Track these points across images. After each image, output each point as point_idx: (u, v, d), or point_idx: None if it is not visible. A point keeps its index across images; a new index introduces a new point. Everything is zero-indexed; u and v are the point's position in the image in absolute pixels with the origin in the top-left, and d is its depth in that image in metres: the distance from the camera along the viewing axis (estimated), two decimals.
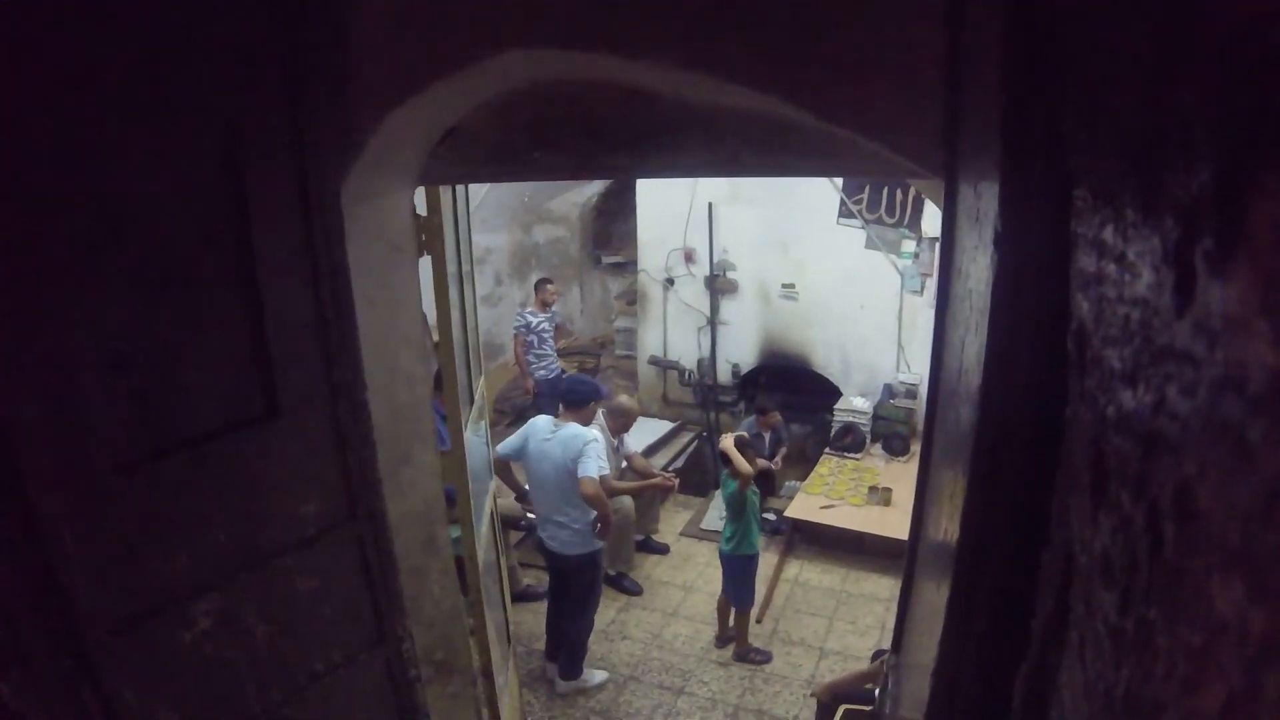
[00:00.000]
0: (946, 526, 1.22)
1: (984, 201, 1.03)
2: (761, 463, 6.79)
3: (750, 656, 5.26)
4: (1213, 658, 0.34)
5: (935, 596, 1.28)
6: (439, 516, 2.50)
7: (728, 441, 5.15)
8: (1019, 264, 0.86)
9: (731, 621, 5.38)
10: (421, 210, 2.38)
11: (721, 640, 5.40)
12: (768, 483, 6.71)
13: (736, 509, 5.10)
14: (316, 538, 1.83)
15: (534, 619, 5.42)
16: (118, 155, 1.43)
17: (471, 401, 2.90)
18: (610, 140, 1.93)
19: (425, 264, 2.43)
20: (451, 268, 2.57)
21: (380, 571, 2.02)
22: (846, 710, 2.88)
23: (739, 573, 5.21)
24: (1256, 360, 0.33)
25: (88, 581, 1.44)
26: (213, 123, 1.59)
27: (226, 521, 1.65)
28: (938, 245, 6.87)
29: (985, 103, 1.06)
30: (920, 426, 7.57)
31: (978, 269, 1.06)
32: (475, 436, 3.15)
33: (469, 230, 2.88)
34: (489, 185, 8.11)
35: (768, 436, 6.88)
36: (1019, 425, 0.86)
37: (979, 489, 0.94)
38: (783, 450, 7.06)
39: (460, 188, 2.81)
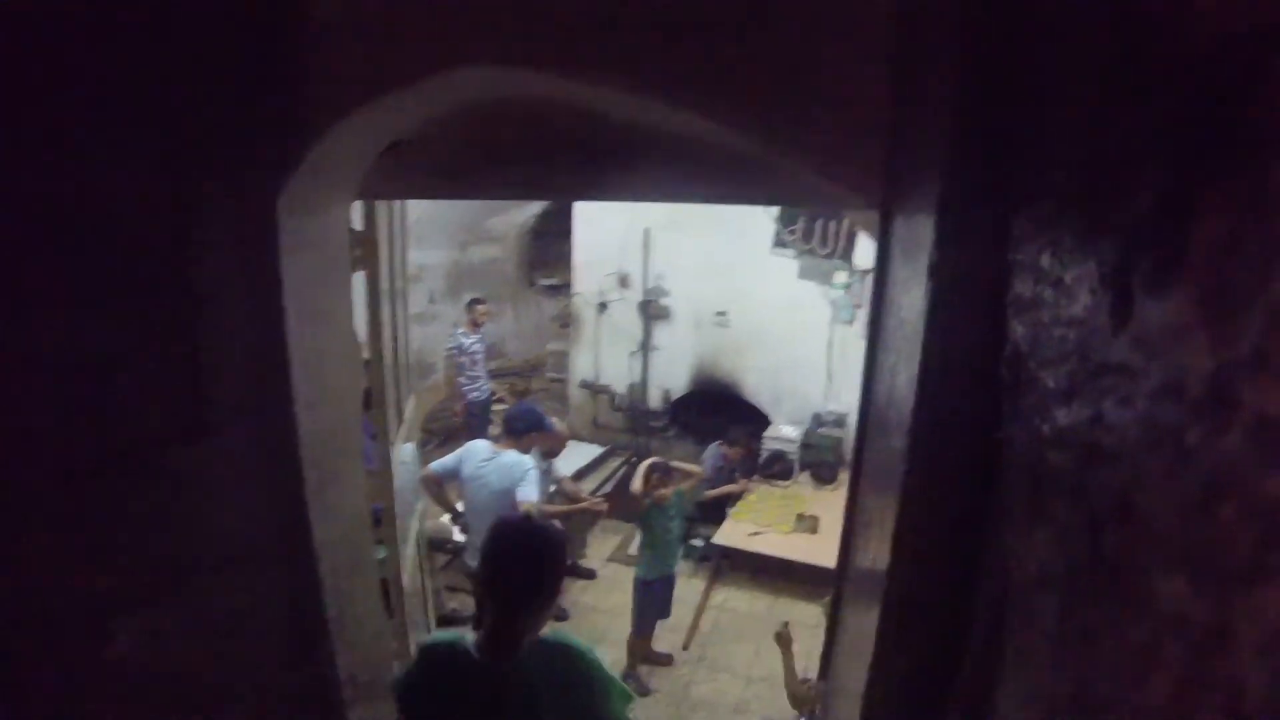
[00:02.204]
0: (876, 552, 1.24)
1: (920, 234, 1.05)
2: (727, 487, 6.86)
3: (628, 683, 5.21)
4: (1158, 651, 0.35)
5: (865, 621, 1.30)
6: (366, 537, 2.45)
7: (644, 464, 5.25)
8: (953, 293, 0.88)
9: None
10: (358, 225, 2.35)
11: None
12: (717, 511, 6.77)
13: (643, 532, 5.22)
14: (242, 557, 1.78)
15: None
16: (56, 158, 1.39)
17: (400, 420, 2.85)
18: (560, 162, 1.94)
19: (358, 279, 2.40)
20: (385, 284, 2.54)
21: (303, 593, 1.97)
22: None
23: (637, 596, 5.29)
24: (1196, 368, 0.35)
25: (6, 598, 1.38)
26: (152, 129, 1.55)
27: (151, 539, 1.59)
28: (869, 277, 7.04)
29: (925, 140, 1.09)
30: (849, 455, 7.71)
31: (910, 299, 1.09)
32: (403, 457, 3.10)
33: (404, 247, 2.84)
34: (427, 201, 8.04)
35: (726, 467, 6.93)
36: (951, 449, 0.89)
37: (911, 511, 0.96)
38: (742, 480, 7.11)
39: (397, 204, 2.78)
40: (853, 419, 7.53)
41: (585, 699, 2.06)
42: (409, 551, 2.97)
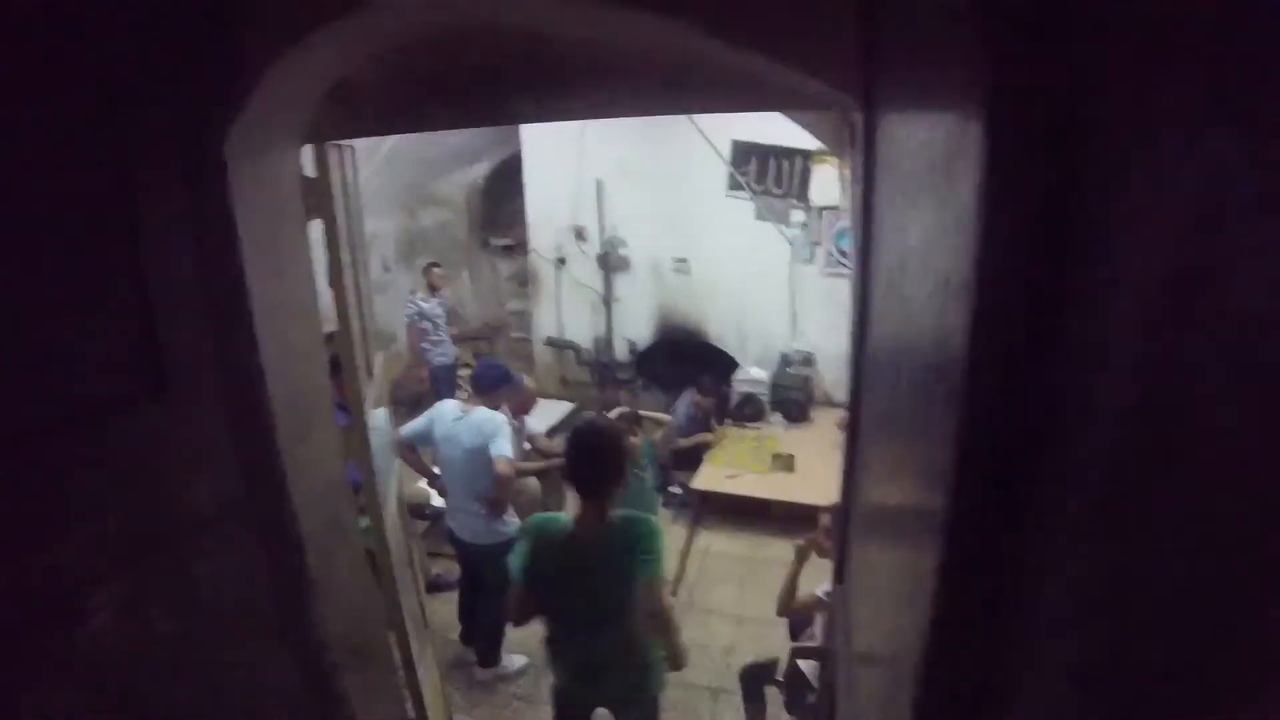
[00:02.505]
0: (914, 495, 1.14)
1: (945, 137, 0.90)
2: (700, 437, 6.82)
3: None
4: None
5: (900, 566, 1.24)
6: (343, 497, 2.37)
7: (611, 415, 5.21)
8: (1010, 216, 0.73)
9: None
10: (310, 173, 2.23)
11: None
12: (692, 460, 6.74)
13: None
14: (215, 519, 1.70)
15: (447, 608, 5.26)
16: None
17: (370, 376, 2.76)
18: (507, 87, 1.85)
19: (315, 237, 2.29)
20: (343, 240, 2.43)
21: (284, 554, 1.90)
22: (794, 648, 2.89)
23: None
24: None
25: None
26: (89, 66, 1.43)
27: (119, 504, 1.50)
28: (826, 214, 6.97)
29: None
30: (818, 393, 7.74)
31: (934, 219, 0.97)
32: (375, 423, 3.00)
33: (359, 196, 2.73)
34: (373, 169, 7.83)
35: (699, 415, 6.90)
36: (1014, 400, 0.77)
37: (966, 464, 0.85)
38: (717, 428, 7.09)
39: (349, 154, 2.66)
40: (820, 357, 7.59)
41: (640, 550, 2.69)
42: (390, 517, 2.89)
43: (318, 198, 2.19)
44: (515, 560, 2.87)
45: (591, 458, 2.71)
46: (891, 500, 1.28)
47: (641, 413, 5.41)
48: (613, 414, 5.25)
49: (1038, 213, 0.70)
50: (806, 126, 2.41)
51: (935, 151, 0.95)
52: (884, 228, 1.41)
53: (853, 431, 2.00)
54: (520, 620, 2.97)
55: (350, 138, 2.27)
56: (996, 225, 0.72)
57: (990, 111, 0.72)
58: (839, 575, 1.95)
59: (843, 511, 2.01)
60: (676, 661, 3.06)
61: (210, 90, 1.68)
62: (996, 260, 0.73)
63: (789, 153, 7.33)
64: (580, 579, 2.71)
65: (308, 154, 2.22)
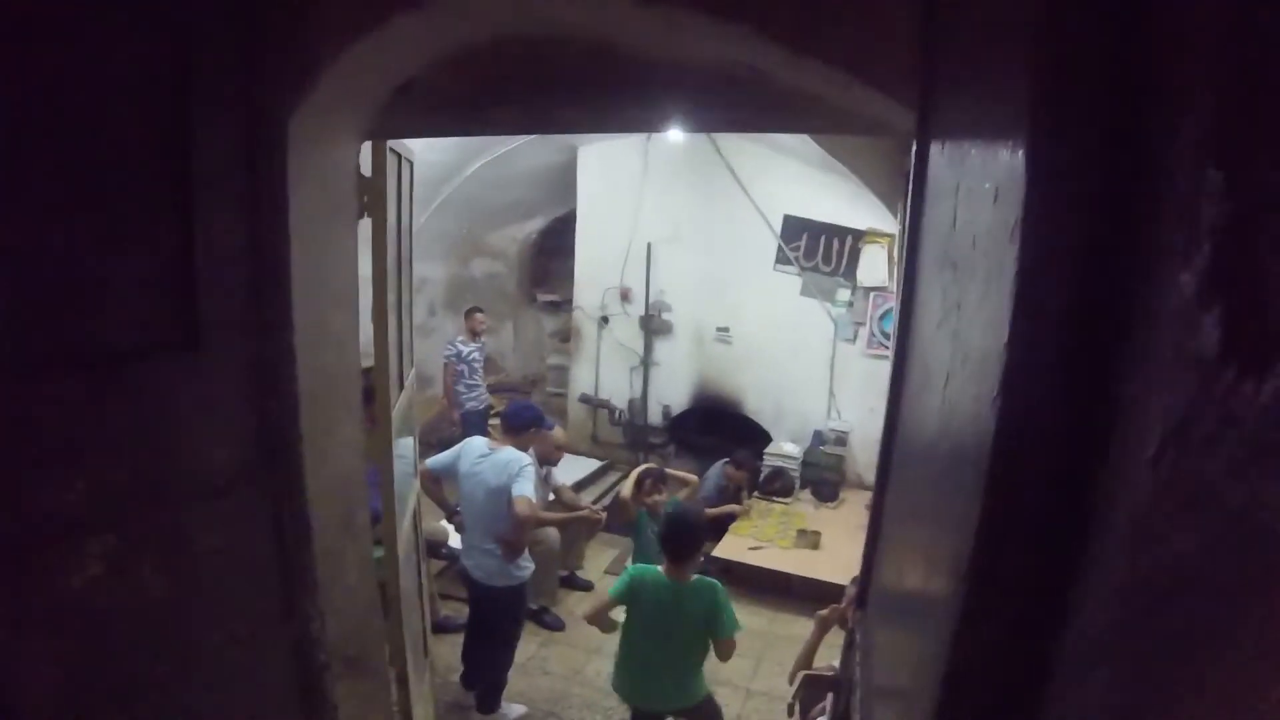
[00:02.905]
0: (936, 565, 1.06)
1: (989, 163, 0.83)
2: (729, 508, 6.72)
3: None
4: None
5: (917, 545, 1.16)
6: (359, 501, 2.34)
7: (637, 470, 5.19)
8: (1048, 283, 0.65)
9: None
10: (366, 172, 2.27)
11: None
12: (716, 531, 6.62)
13: (634, 540, 5.11)
14: (226, 489, 1.68)
15: (451, 650, 5.16)
16: (58, 41, 1.31)
17: (401, 387, 2.75)
18: (566, 94, 1.87)
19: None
20: (391, 247, 2.45)
21: (293, 538, 1.87)
22: (806, 676, 2.78)
23: None
24: None
25: None
26: (162, 32, 1.48)
27: (129, 455, 1.49)
28: (873, 294, 6.96)
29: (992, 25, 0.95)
30: (849, 473, 7.61)
31: (977, 278, 0.86)
32: (401, 451, 2.99)
33: (410, 204, 2.76)
34: (428, 214, 8.00)
35: (730, 487, 6.81)
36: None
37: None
38: (746, 500, 6.99)
39: (407, 166, 2.71)
40: (855, 438, 7.48)
41: (716, 611, 3.52)
42: (405, 541, 2.85)
43: (371, 197, 2.22)
44: (616, 585, 3.67)
45: (685, 532, 3.58)
46: (907, 584, 1.19)
47: (668, 470, 5.34)
48: (637, 470, 5.20)
49: (1084, 281, 0.61)
50: (858, 172, 2.40)
51: (983, 193, 0.84)
52: (927, 287, 1.34)
53: (877, 508, 1.92)
54: (595, 620, 3.72)
55: (411, 135, 2.31)
56: (1033, 291, 0.62)
57: (1032, 154, 0.64)
58: (861, 599, 1.86)
59: (873, 517, 1.90)
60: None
61: (279, 72, 1.72)
62: (1029, 331, 0.63)
63: (840, 231, 7.36)
64: (668, 619, 3.54)
65: (366, 154, 2.26)
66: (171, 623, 1.62)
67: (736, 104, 1.67)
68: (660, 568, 3.57)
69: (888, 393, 1.79)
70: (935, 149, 1.38)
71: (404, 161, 2.63)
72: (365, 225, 2.31)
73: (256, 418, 1.72)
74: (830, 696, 3.83)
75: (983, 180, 0.83)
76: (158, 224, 1.51)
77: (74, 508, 1.41)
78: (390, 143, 2.33)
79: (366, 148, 2.26)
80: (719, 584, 3.63)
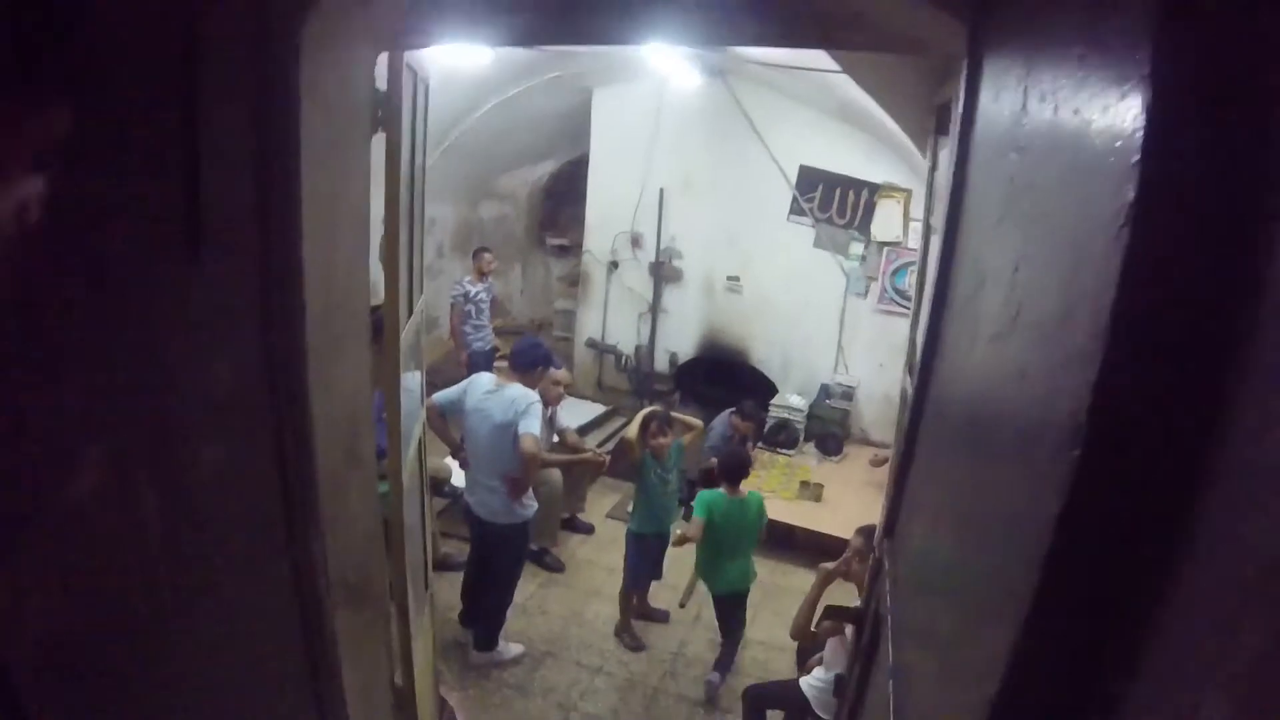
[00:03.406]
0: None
1: (1077, 85, 0.71)
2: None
3: (622, 638, 5.18)
4: None
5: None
6: (365, 424, 2.29)
7: (642, 413, 5.23)
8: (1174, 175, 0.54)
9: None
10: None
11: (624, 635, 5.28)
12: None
13: (637, 483, 5.14)
14: (228, 404, 1.62)
15: (450, 588, 5.17)
16: None
17: (410, 311, 2.69)
18: (590, 3, 1.77)
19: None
20: (405, 160, 2.37)
21: (296, 459, 1.81)
22: (827, 607, 2.76)
23: (628, 549, 5.15)
24: None
25: None
26: None
27: (127, 364, 1.42)
28: (885, 249, 6.88)
29: None
30: (853, 428, 7.58)
31: (1053, 221, 0.78)
32: (409, 385, 2.93)
33: (425, 125, 2.67)
34: (438, 154, 7.86)
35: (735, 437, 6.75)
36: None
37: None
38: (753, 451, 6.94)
39: (421, 88, 2.61)
40: (862, 393, 7.43)
41: (762, 511, 4.93)
42: (409, 468, 2.81)
43: (386, 112, 2.13)
44: (699, 509, 4.69)
45: (741, 464, 4.97)
46: (947, 557, 1.12)
47: (674, 414, 5.30)
48: (643, 413, 5.17)
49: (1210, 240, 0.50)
50: (885, 106, 2.30)
51: (1066, 125, 0.74)
52: (976, 225, 1.24)
53: (910, 438, 1.84)
54: (694, 536, 4.67)
55: (428, 44, 2.21)
56: (1151, 244, 0.52)
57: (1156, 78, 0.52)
58: (889, 527, 1.81)
59: (905, 448, 1.83)
60: None
61: None
62: (1143, 298, 0.53)
63: (855, 184, 7.23)
64: (737, 525, 4.77)
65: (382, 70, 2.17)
66: (167, 541, 1.57)
67: (769, 17, 1.58)
68: (721, 489, 4.80)
69: (924, 338, 1.71)
70: (990, 69, 1.30)
71: (419, 81, 2.53)
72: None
73: (260, 332, 1.65)
74: (828, 646, 3.84)
75: (1067, 107, 0.74)
76: (163, 130, 1.44)
77: (66, 419, 1.34)
78: (407, 59, 2.23)
79: (382, 62, 2.17)
80: (759, 493, 5.20)
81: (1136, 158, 0.53)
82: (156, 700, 1.58)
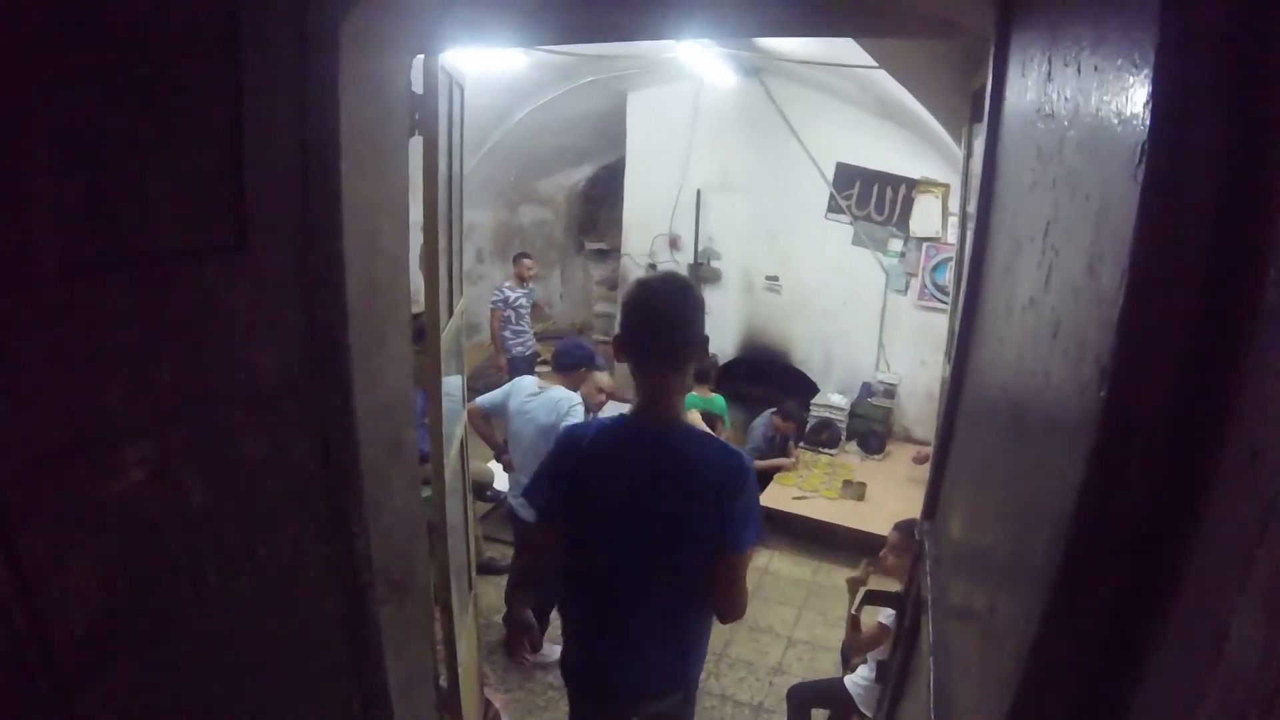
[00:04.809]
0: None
1: (1099, 65, 0.70)
2: (777, 461, 6.65)
3: None
4: None
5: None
6: (407, 419, 2.33)
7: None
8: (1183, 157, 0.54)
9: None
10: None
11: None
12: (763, 481, 6.58)
13: None
14: (272, 397, 1.65)
15: (494, 592, 5.21)
16: None
17: (451, 313, 2.73)
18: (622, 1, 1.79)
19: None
20: (442, 164, 2.41)
21: (340, 451, 1.85)
22: (868, 592, 2.72)
23: None
24: None
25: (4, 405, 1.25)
26: None
27: (173, 357, 1.46)
28: (925, 245, 6.82)
29: None
30: (895, 426, 7.51)
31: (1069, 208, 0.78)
32: (449, 389, 2.97)
33: (462, 128, 2.71)
34: (477, 159, 7.95)
35: (777, 438, 6.74)
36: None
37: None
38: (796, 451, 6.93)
39: (456, 91, 2.65)
40: (904, 390, 7.36)
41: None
42: (451, 468, 2.84)
43: (423, 114, 2.17)
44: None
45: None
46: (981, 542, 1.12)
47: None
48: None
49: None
50: (918, 94, 2.29)
51: (1084, 80, 0.73)
52: (1009, 198, 1.24)
53: (949, 421, 1.82)
54: None
55: (465, 45, 2.24)
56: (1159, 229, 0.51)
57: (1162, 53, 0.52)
58: (929, 510, 1.80)
59: (944, 432, 1.81)
60: None
61: None
62: (1161, 235, 0.52)
63: (893, 180, 7.17)
64: None
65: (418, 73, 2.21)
66: (213, 535, 1.61)
67: (799, 4, 1.58)
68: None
69: (961, 314, 1.69)
70: (1018, 42, 1.30)
71: (455, 84, 2.57)
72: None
73: (304, 326, 1.69)
74: (894, 616, 3.81)
75: (1088, 65, 0.74)
76: (208, 124, 1.48)
77: (115, 411, 1.39)
78: (442, 63, 2.27)
79: (418, 65, 2.21)
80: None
81: (1148, 99, 0.53)
82: (200, 689, 1.62)
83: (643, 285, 2.17)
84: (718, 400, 5.98)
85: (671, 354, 2.10)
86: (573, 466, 2.20)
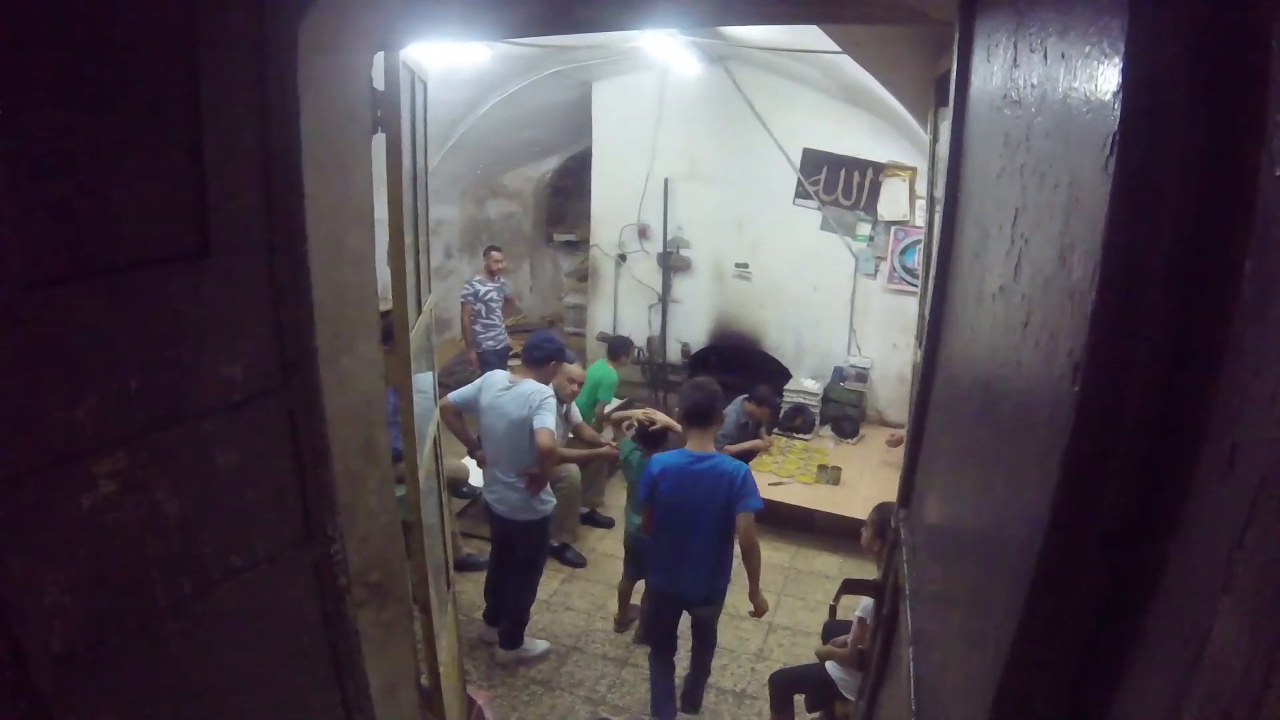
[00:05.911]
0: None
1: (1064, 48, 0.71)
2: (751, 444, 6.66)
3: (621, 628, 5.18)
4: None
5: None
6: (379, 421, 2.30)
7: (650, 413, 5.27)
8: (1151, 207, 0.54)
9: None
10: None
11: (620, 625, 5.19)
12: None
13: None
14: (242, 404, 1.63)
15: (474, 588, 5.20)
16: None
17: (420, 310, 2.70)
18: None
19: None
20: (407, 160, 2.38)
21: (312, 457, 1.82)
22: (846, 580, 2.75)
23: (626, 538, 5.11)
24: None
25: None
26: None
27: (141, 368, 1.43)
28: (893, 228, 6.85)
29: None
30: (869, 410, 7.56)
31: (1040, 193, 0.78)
32: (420, 386, 2.94)
33: (425, 124, 2.68)
34: (442, 154, 7.87)
35: (750, 424, 6.74)
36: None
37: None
38: (767, 436, 6.95)
39: (419, 87, 2.62)
40: (876, 374, 7.40)
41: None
42: (425, 467, 2.82)
43: (385, 110, 2.14)
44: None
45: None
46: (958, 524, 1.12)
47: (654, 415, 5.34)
48: (640, 412, 5.25)
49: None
50: (885, 81, 2.29)
51: (1051, 67, 0.74)
52: (976, 185, 1.25)
53: (920, 410, 1.83)
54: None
55: (424, 40, 2.21)
56: (1133, 217, 0.52)
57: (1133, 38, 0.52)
58: (904, 499, 1.80)
59: (916, 419, 1.82)
60: None
61: None
62: (1133, 224, 0.52)
63: (860, 164, 7.19)
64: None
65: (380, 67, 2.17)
66: (188, 544, 1.59)
67: None
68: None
69: (930, 304, 1.70)
70: (982, 28, 1.29)
71: (417, 80, 2.54)
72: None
73: (271, 332, 1.66)
74: (872, 602, 3.83)
75: (1054, 51, 0.74)
76: (167, 131, 1.45)
77: (84, 425, 1.36)
78: (404, 59, 2.24)
79: (379, 62, 2.17)
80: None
81: (1117, 86, 0.53)
82: (180, 702, 1.60)
83: (695, 387, 4.13)
84: (611, 374, 6.56)
85: (704, 421, 3.97)
86: (657, 477, 3.90)
